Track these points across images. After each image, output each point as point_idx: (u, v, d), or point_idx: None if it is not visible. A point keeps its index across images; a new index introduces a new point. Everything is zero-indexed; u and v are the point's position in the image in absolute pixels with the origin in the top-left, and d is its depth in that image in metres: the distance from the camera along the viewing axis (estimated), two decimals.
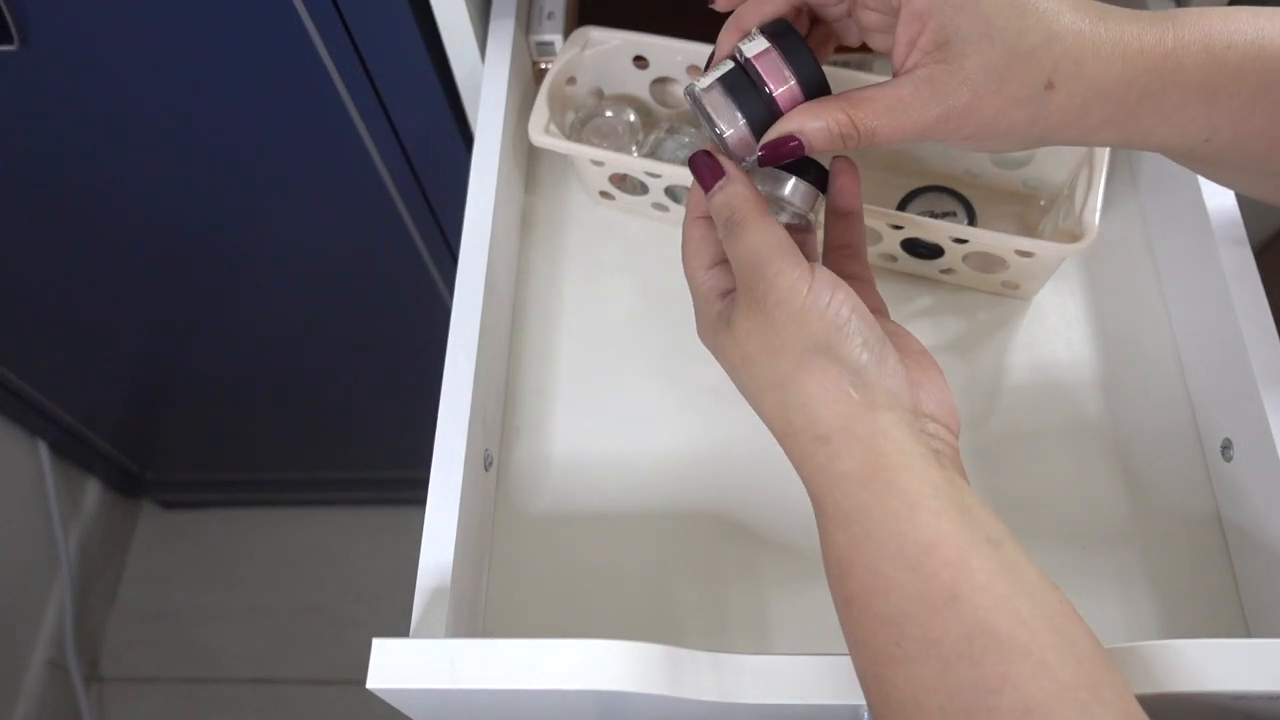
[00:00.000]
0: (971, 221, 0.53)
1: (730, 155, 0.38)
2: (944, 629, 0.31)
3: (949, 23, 0.34)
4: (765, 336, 0.36)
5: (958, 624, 0.31)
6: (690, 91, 0.38)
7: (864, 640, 0.33)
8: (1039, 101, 0.35)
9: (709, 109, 0.38)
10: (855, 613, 0.33)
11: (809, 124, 0.36)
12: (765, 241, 0.36)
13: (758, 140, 0.38)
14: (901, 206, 0.54)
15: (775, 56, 0.37)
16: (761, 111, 0.37)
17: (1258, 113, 0.35)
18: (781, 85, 0.37)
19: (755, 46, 0.37)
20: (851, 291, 0.36)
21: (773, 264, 0.36)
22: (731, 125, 0.38)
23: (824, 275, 0.36)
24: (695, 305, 0.40)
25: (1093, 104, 0.35)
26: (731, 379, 0.38)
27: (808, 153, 0.37)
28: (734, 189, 0.38)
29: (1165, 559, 0.47)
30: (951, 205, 0.54)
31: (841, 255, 0.42)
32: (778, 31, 0.37)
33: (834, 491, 0.34)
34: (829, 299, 0.35)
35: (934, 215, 0.53)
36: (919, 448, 0.34)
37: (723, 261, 0.40)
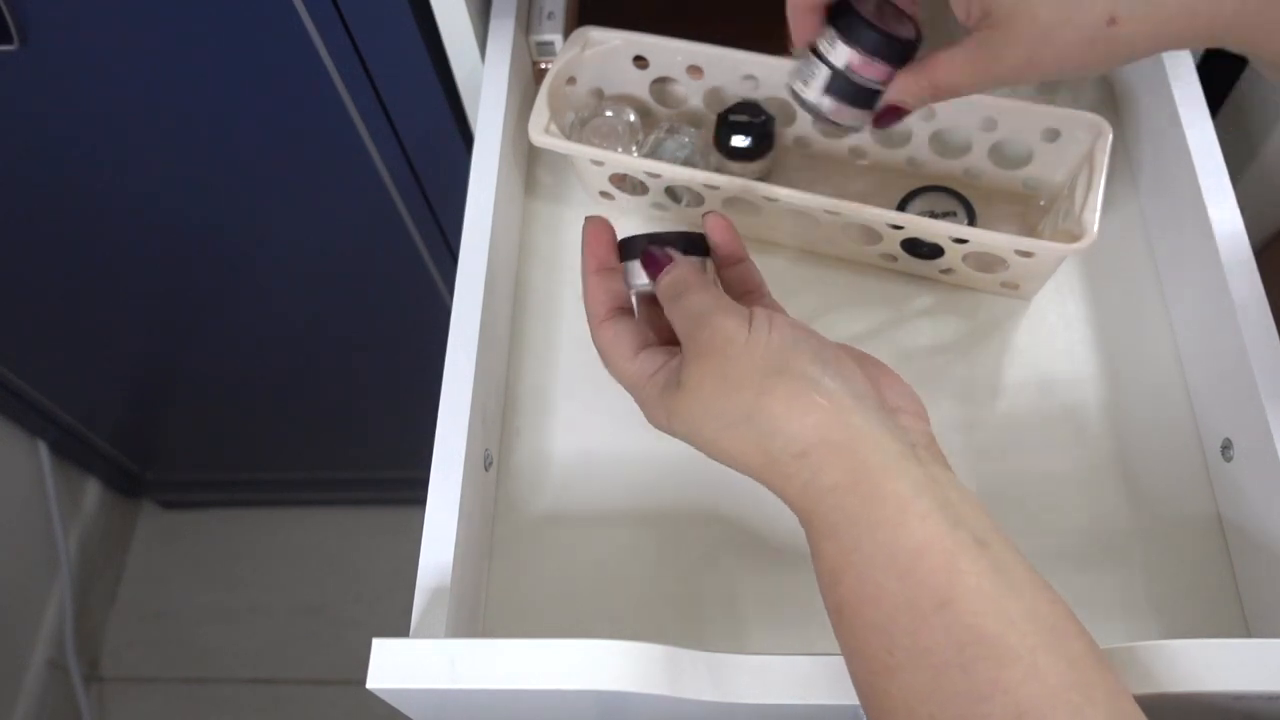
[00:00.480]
0: (971, 221, 0.53)
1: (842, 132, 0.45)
2: (934, 637, 0.31)
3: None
4: (719, 376, 0.36)
5: (947, 631, 0.31)
6: (803, 101, 0.44)
7: (856, 649, 0.33)
8: (1105, 38, 0.36)
9: (833, 118, 0.44)
10: (847, 621, 0.33)
11: (906, 96, 0.42)
12: (707, 299, 0.39)
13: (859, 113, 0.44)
14: (901, 207, 0.54)
15: (861, 57, 0.42)
16: (869, 100, 0.43)
17: None
18: (880, 75, 0.42)
19: (840, 55, 0.42)
20: (788, 317, 0.38)
21: (716, 314, 0.38)
22: (856, 121, 0.44)
23: (760, 314, 0.37)
24: (634, 396, 0.41)
25: (1172, 20, 0.36)
26: (694, 441, 0.38)
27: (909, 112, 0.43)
28: (680, 269, 0.41)
29: (1165, 559, 0.47)
30: (951, 205, 0.54)
31: (749, 300, 0.43)
32: (849, 31, 0.41)
33: (821, 505, 0.34)
34: (768, 327, 0.37)
35: (934, 215, 0.53)
36: (896, 445, 0.34)
37: (644, 347, 0.41)
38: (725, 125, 0.55)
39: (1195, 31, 0.36)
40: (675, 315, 0.40)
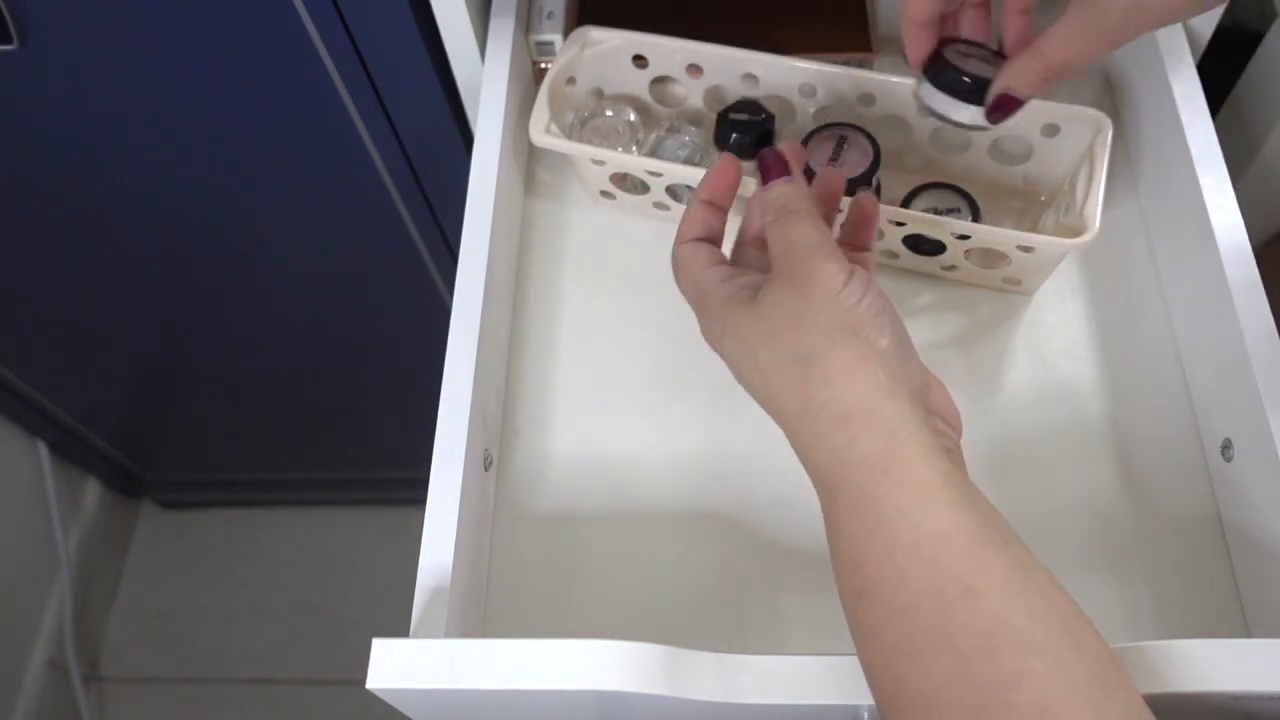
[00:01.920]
0: (975, 217, 0.53)
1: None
2: (959, 623, 0.31)
3: None
4: (798, 311, 0.36)
5: (972, 619, 0.31)
6: (931, 111, 0.46)
7: (874, 633, 0.33)
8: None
9: (956, 119, 0.46)
10: (866, 604, 0.33)
11: (1019, 83, 0.43)
12: (815, 233, 0.38)
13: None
14: (905, 203, 0.54)
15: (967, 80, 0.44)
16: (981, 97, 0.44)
17: None
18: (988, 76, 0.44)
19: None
20: (884, 294, 0.37)
21: (820, 250, 0.37)
22: (975, 119, 0.45)
23: (861, 274, 0.37)
24: (697, 304, 0.41)
25: None
26: (741, 362, 0.38)
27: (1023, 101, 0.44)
28: (798, 185, 0.40)
29: (1165, 559, 0.47)
30: (955, 201, 0.54)
31: (852, 255, 0.43)
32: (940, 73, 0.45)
33: (849, 477, 0.34)
34: (863, 292, 0.36)
35: (938, 212, 0.53)
36: (931, 440, 0.34)
37: (721, 264, 0.41)
38: (725, 124, 0.55)
39: None
40: (778, 235, 0.39)
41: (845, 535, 0.34)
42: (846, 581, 0.34)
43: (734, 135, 0.54)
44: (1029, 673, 0.30)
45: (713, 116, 0.56)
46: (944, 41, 0.45)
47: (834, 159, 0.52)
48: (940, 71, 0.44)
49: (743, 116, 0.55)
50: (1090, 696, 0.30)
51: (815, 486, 0.36)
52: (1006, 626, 0.30)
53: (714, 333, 0.39)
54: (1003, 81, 0.43)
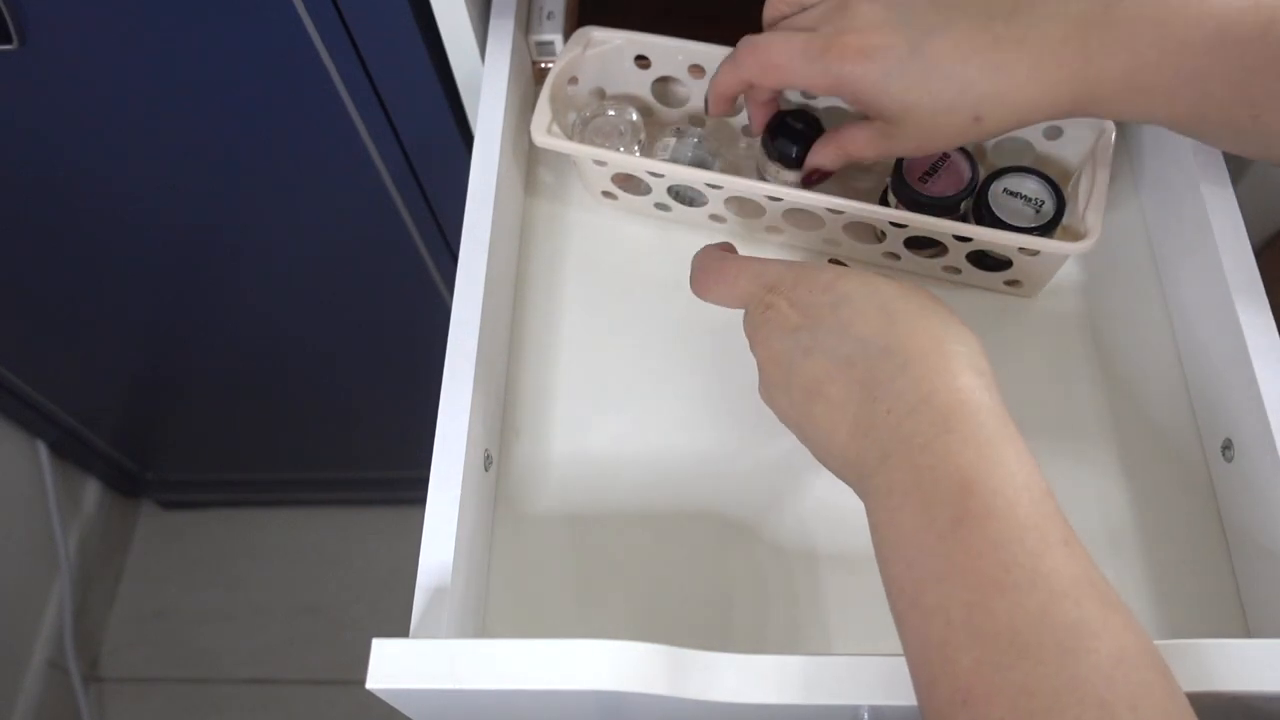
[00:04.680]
0: (1059, 207, 0.51)
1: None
2: (1054, 566, 0.32)
3: (876, 108, 0.45)
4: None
5: (1069, 565, 0.32)
6: (765, 171, 0.55)
7: (967, 565, 0.33)
8: (976, 129, 0.44)
9: (786, 181, 0.54)
10: (965, 533, 0.33)
11: (824, 162, 0.51)
12: None
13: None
14: (983, 190, 0.51)
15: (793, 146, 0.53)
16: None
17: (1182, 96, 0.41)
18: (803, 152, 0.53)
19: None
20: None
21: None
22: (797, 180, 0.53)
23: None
24: (774, 268, 0.43)
25: (1024, 116, 0.43)
26: (859, 299, 0.39)
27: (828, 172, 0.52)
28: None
29: (1165, 559, 0.47)
30: (1034, 188, 0.51)
31: None
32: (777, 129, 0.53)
33: (972, 416, 0.35)
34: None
35: (1014, 196, 0.51)
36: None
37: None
38: (782, 130, 0.53)
39: (1058, 109, 0.43)
40: None
41: (953, 464, 0.34)
42: (942, 510, 0.34)
43: (786, 142, 0.53)
44: (1111, 624, 0.31)
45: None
46: (779, 114, 0.53)
47: (930, 174, 0.51)
48: (773, 142, 0.53)
49: (799, 125, 0.53)
50: (1156, 658, 0.31)
51: (914, 416, 0.35)
52: (1092, 579, 0.32)
53: (819, 283, 0.40)
54: (812, 161, 0.51)
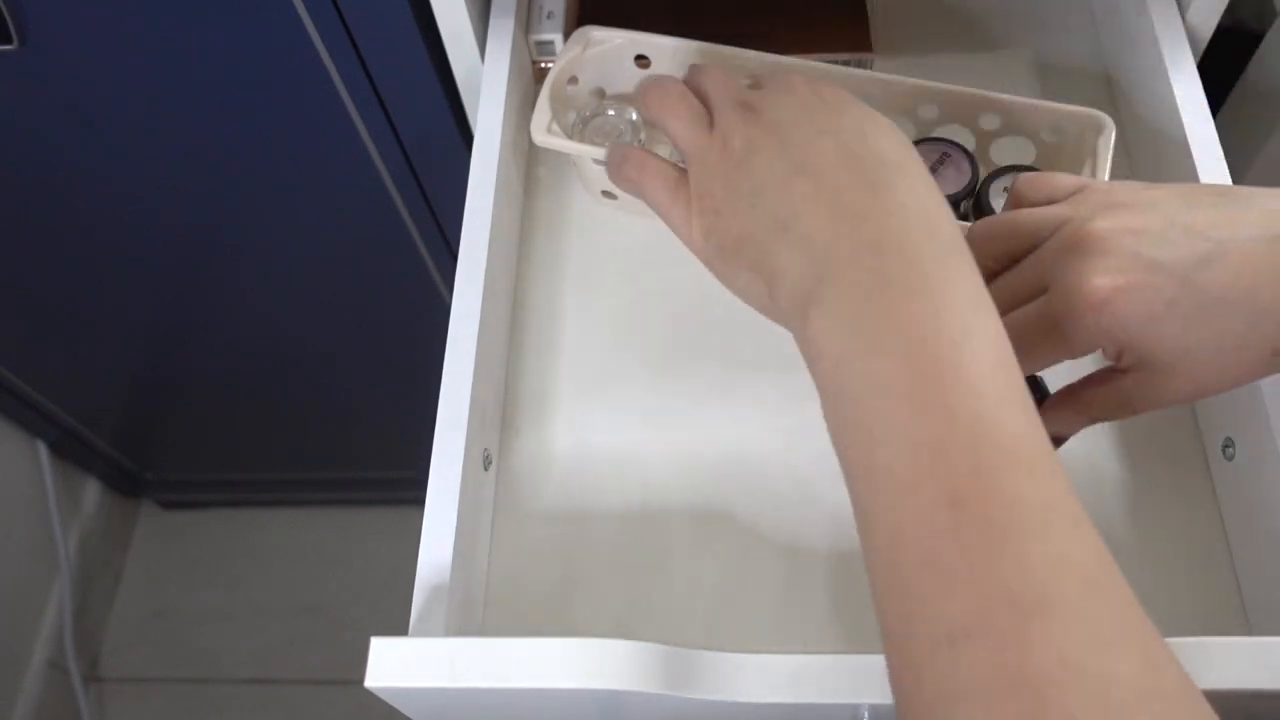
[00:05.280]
0: None
1: None
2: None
3: (1139, 356, 0.36)
4: None
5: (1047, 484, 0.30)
6: None
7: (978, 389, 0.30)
8: (1270, 366, 0.36)
9: None
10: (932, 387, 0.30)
11: (1064, 429, 0.41)
12: None
13: None
14: (984, 187, 0.52)
15: None
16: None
17: None
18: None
19: None
20: None
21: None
22: None
23: None
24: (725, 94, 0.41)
25: None
26: (820, 118, 0.37)
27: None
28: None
29: (1165, 559, 0.47)
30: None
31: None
32: None
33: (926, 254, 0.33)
34: None
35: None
36: None
37: None
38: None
39: None
40: None
41: (905, 315, 0.31)
42: (891, 361, 0.31)
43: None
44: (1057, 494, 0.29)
45: None
46: None
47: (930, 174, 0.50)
48: None
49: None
50: (1117, 576, 0.30)
51: (861, 255, 0.33)
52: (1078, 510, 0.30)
53: (756, 116, 0.38)
54: (1052, 429, 0.40)
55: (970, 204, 0.51)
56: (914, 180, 0.35)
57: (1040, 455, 0.30)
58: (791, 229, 0.35)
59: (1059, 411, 0.41)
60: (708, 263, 0.40)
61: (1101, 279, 0.35)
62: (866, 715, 0.36)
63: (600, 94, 0.59)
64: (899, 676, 0.30)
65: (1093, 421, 0.41)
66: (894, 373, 0.31)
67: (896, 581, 0.29)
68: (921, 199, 0.34)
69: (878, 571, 0.30)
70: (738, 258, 0.37)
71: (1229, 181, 0.49)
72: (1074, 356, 0.38)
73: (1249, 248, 0.35)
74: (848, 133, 0.37)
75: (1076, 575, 0.29)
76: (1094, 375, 0.40)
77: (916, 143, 0.51)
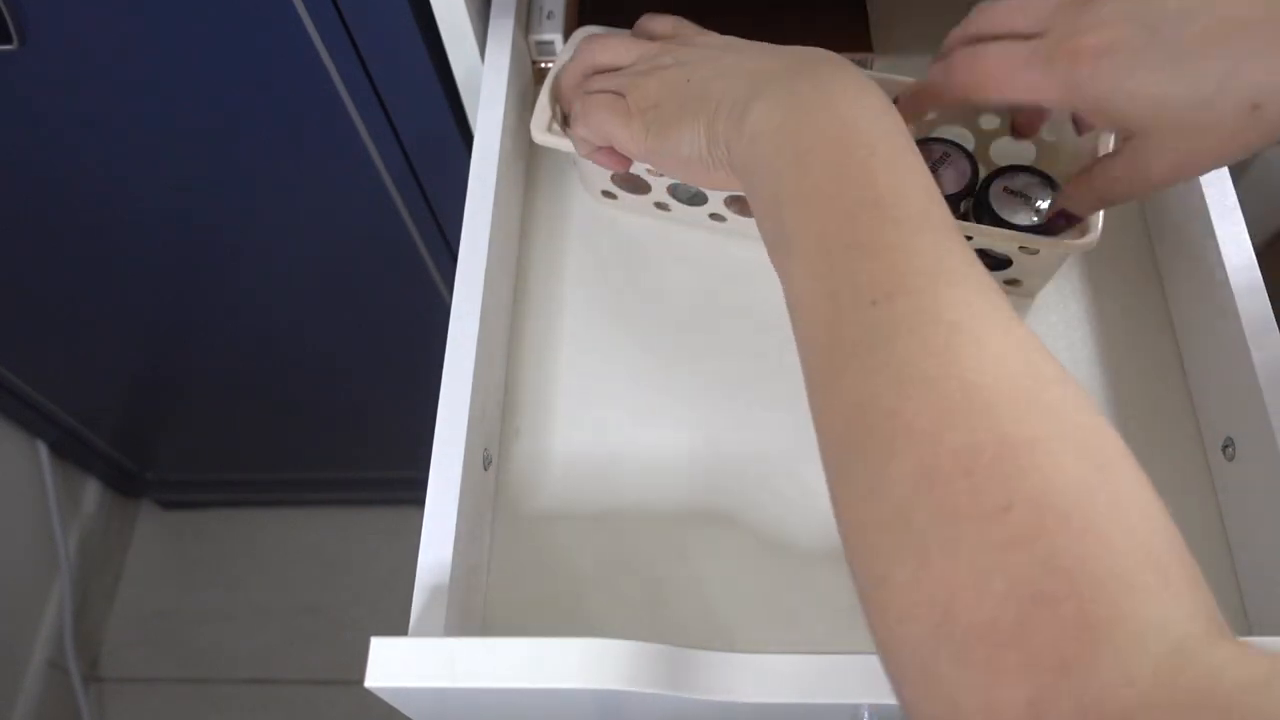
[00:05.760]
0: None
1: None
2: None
3: (1121, 114, 0.38)
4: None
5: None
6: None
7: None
8: (1256, 122, 0.36)
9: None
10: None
11: (1075, 206, 0.46)
12: None
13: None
14: (984, 189, 0.51)
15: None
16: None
17: None
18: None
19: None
20: None
21: None
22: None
23: None
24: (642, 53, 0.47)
25: None
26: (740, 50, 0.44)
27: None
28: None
29: None
30: (1030, 183, 0.51)
31: None
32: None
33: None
34: None
35: (1013, 194, 0.50)
36: None
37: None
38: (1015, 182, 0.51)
39: None
40: None
41: (831, 109, 0.37)
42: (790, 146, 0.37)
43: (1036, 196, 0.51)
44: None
45: None
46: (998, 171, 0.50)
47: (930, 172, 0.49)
48: (1011, 195, 0.50)
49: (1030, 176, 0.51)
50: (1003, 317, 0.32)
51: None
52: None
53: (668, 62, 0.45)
54: (1061, 203, 0.47)
55: (970, 204, 0.51)
56: (840, 61, 0.40)
57: (920, 210, 0.35)
58: (727, 73, 0.41)
59: (1074, 191, 0.45)
60: (651, 154, 0.44)
61: (1083, 38, 0.37)
62: (866, 715, 0.36)
63: None
64: (814, 334, 0.34)
65: (1102, 203, 0.45)
66: (821, 130, 0.37)
67: (826, 266, 0.34)
68: (844, 67, 0.40)
69: (807, 263, 0.35)
70: (680, 122, 0.42)
71: (1229, 179, 0.49)
72: (1048, 104, 0.44)
73: (1226, 5, 0.35)
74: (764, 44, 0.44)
75: (959, 254, 0.33)
76: (1104, 156, 0.43)
77: (917, 143, 0.51)
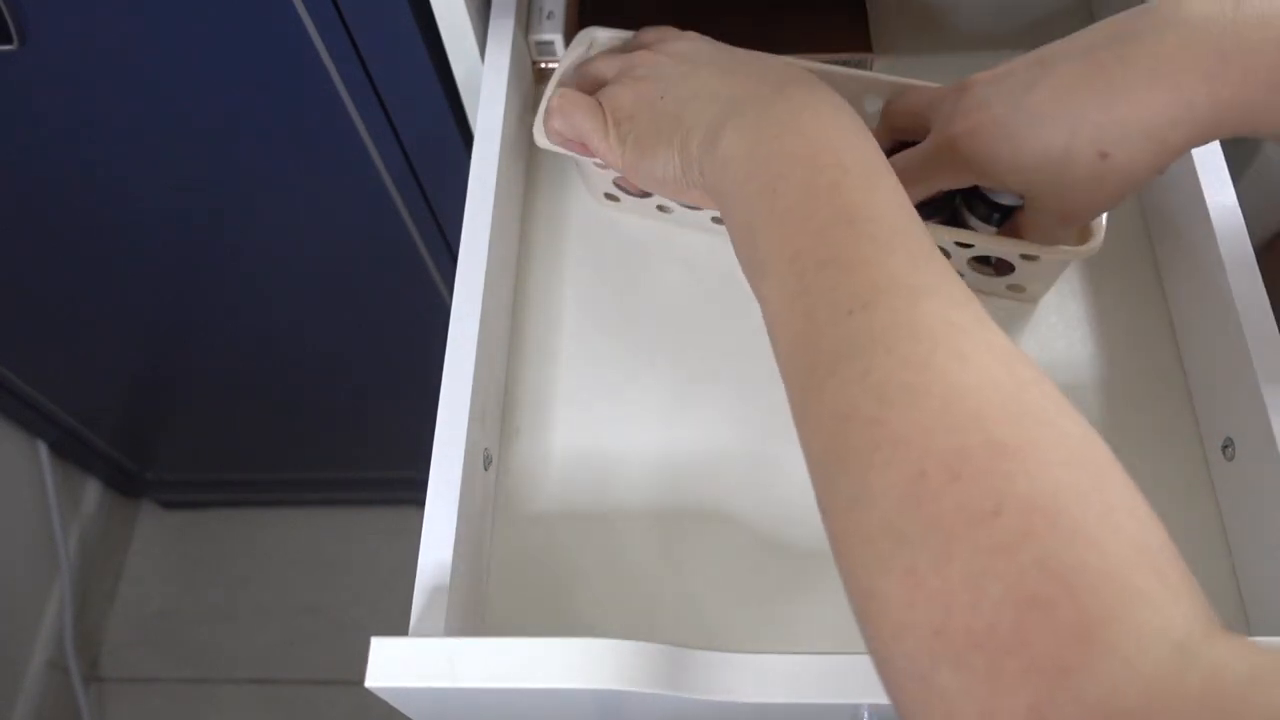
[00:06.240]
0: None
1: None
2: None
3: (1005, 186, 0.44)
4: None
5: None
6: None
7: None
8: (1108, 169, 0.39)
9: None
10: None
11: (1005, 254, 0.49)
12: None
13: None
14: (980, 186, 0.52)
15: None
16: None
17: None
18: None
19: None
20: None
21: None
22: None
23: None
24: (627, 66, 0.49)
25: (1162, 136, 0.39)
26: (718, 60, 0.45)
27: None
28: None
29: None
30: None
31: None
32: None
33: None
34: None
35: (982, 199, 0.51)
36: None
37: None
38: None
39: (1200, 123, 0.38)
40: None
41: (800, 127, 0.38)
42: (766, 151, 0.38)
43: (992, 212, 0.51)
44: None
45: None
46: None
47: None
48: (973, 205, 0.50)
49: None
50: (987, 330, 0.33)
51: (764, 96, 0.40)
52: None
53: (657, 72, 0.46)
54: (996, 253, 0.49)
55: (964, 201, 0.51)
56: (813, 82, 0.41)
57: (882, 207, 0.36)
58: (700, 94, 0.42)
59: (1003, 243, 0.48)
60: (629, 167, 0.45)
61: (954, 125, 0.43)
62: (866, 715, 0.36)
63: None
64: (792, 351, 0.35)
65: (1028, 249, 0.47)
66: (792, 153, 0.37)
67: (800, 285, 0.34)
68: (816, 89, 0.40)
69: (781, 283, 0.36)
70: (655, 142, 0.43)
71: (1229, 179, 0.49)
72: (956, 186, 0.46)
73: (1064, 66, 0.40)
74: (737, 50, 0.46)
75: (936, 268, 0.34)
76: (1021, 215, 0.47)
77: (917, 142, 0.51)
